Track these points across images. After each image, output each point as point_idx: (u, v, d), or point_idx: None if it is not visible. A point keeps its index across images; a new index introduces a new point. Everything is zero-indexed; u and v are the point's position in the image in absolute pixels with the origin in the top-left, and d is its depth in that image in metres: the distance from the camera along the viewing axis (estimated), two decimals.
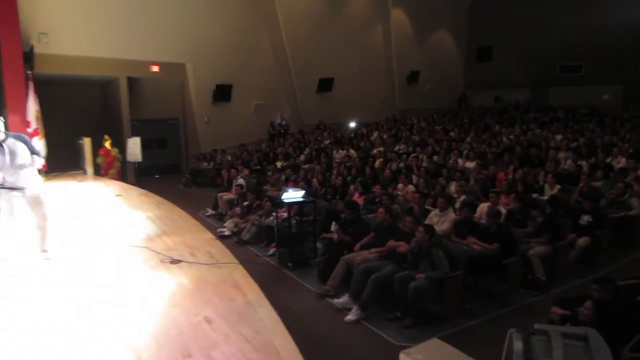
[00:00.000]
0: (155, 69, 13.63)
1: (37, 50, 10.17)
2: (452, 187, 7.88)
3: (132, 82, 13.65)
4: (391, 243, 5.44)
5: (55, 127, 11.16)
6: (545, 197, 7.09)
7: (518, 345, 2.13)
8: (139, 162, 12.13)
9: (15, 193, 4.25)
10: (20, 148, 4.17)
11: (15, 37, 9.13)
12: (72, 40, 11.48)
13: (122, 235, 5.27)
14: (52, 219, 4.62)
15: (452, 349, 1.98)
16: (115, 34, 12.17)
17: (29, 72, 9.45)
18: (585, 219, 6.31)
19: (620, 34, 17.63)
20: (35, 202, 4.39)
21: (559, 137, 12.25)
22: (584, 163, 9.29)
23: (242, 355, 2.73)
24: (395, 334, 4.58)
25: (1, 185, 4.13)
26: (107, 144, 11.41)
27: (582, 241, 6.07)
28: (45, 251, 4.45)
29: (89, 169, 9.84)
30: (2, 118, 4.22)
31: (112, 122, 13.95)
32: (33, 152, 4.30)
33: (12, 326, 3.14)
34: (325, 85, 18.26)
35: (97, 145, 10.69)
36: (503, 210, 6.31)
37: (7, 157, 4.07)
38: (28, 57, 9.57)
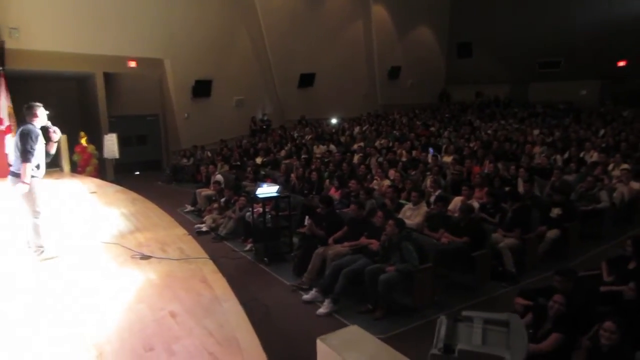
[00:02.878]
0: (133, 64, 13.47)
1: (9, 45, 10.00)
2: (428, 182, 7.96)
3: (109, 77, 13.47)
4: (363, 240, 5.51)
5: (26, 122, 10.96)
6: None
7: (443, 329, 2.20)
8: (118, 159, 12.00)
9: None
10: None
11: None
12: (45, 35, 11.28)
13: (93, 232, 5.24)
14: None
15: (369, 336, 2.03)
16: (90, 28, 11.99)
17: (0, 68, 9.27)
18: (556, 212, 6.45)
19: (598, 29, 17.91)
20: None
21: (536, 132, 12.46)
22: (558, 157, 9.47)
23: (204, 348, 2.76)
24: (367, 326, 4.53)
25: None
26: (83, 141, 11.26)
27: (552, 233, 6.20)
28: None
29: (66, 166, 9.72)
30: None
31: (89, 119, 13.77)
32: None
33: None
34: (306, 80, 18.25)
35: (73, 142, 10.54)
36: (476, 204, 6.42)
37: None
38: None
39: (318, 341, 1.94)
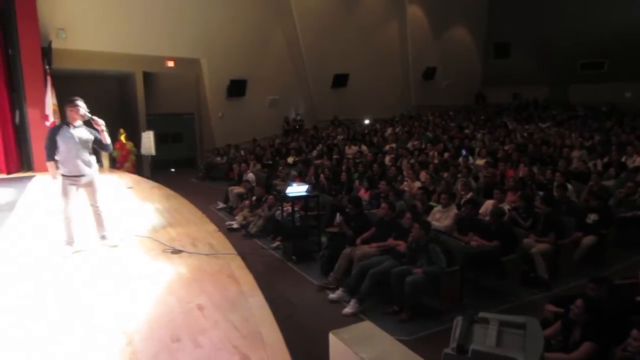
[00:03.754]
0: (171, 64, 13.86)
1: (55, 45, 10.44)
2: (459, 185, 7.84)
3: (148, 77, 13.91)
4: (391, 241, 5.50)
5: None
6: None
7: (457, 331, 2.19)
8: (154, 156, 12.36)
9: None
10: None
11: (34, 32, 9.37)
12: (89, 35, 11.77)
13: (129, 225, 5.43)
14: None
15: (380, 331, 2.03)
16: (131, 29, 12.42)
17: (48, 67, 9.70)
18: (592, 217, 6.24)
19: None
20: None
21: (573, 135, 12.06)
22: (597, 162, 9.15)
23: (228, 340, 2.83)
24: (392, 328, 4.60)
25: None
26: (122, 138, 11.65)
27: (588, 240, 6.01)
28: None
29: (105, 161, 10.10)
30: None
31: (128, 117, 14.25)
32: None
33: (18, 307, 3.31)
34: (340, 81, 18.27)
35: (113, 139, 10.92)
36: (507, 207, 6.29)
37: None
38: (46, 52, 9.82)
39: (330, 334, 1.97)
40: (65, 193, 4.36)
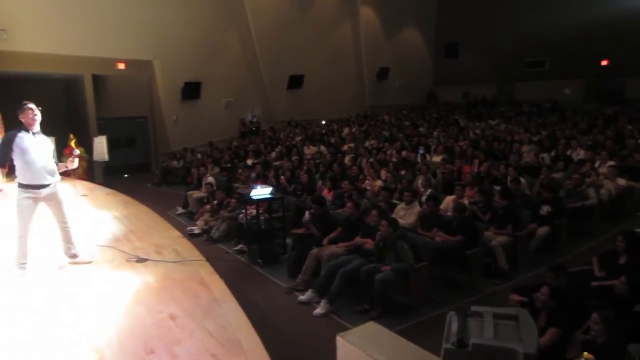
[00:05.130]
0: (121, 66, 13.38)
1: None
2: (419, 182, 8.02)
3: (97, 79, 13.35)
4: (358, 239, 5.54)
5: (17, 126, 10.84)
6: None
7: (454, 326, 2.25)
8: (106, 162, 11.88)
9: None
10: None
11: None
12: (33, 36, 11.14)
13: (87, 235, 5.19)
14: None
15: (386, 331, 2.07)
16: (78, 30, 11.88)
17: None
18: (545, 209, 6.54)
19: (582, 29, 18.22)
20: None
21: (522, 131, 12.63)
22: (545, 156, 9.61)
23: (206, 350, 2.76)
24: None
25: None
26: (72, 143, 11.08)
27: (542, 230, 6.30)
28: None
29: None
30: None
31: (77, 121, 13.62)
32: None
33: None
34: (295, 82, 18.27)
35: (62, 145, 10.42)
36: (467, 202, 6.50)
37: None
38: None
39: (338, 338, 1.96)
40: (21, 207, 3.96)
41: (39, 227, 4.23)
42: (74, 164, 4.39)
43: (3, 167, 4.02)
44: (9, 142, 3.92)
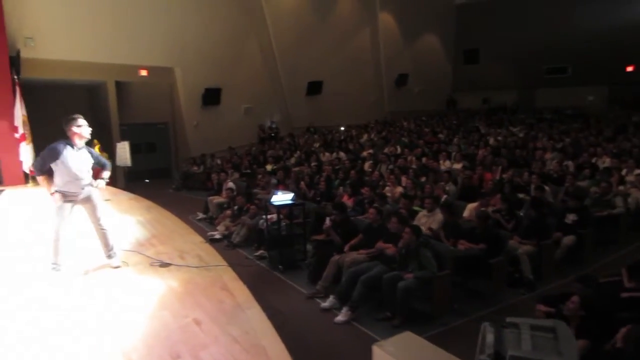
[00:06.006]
0: (144, 73, 13.59)
1: (24, 54, 10.10)
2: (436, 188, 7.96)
3: (120, 86, 13.60)
4: (380, 245, 5.49)
5: (43, 132, 11.07)
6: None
7: (490, 337, 2.19)
8: (128, 167, 12.08)
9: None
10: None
11: (1, 41, 9.06)
12: (59, 44, 11.42)
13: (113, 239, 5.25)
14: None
15: (423, 341, 2.03)
16: (102, 38, 12.13)
17: (16, 77, 9.37)
18: (571, 217, 6.42)
19: (605, 35, 17.93)
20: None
21: (544, 138, 12.43)
22: (569, 163, 9.43)
23: (231, 355, 2.76)
24: (385, 334, 4.57)
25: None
26: (97, 149, 11.32)
27: (568, 240, 6.17)
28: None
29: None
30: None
31: (101, 127, 13.85)
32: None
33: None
34: (314, 88, 18.32)
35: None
36: (490, 210, 6.41)
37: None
38: (14, 62, 9.50)
39: (374, 347, 1.94)
40: (59, 210, 4.07)
41: (69, 233, 4.28)
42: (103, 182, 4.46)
43: (40, 175, 4.06)
44: (54, 156, 3.97)
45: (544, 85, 20.51)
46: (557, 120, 16.76)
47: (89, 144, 4.34)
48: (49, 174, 4.06)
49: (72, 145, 4.05)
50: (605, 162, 9.25)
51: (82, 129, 4.09)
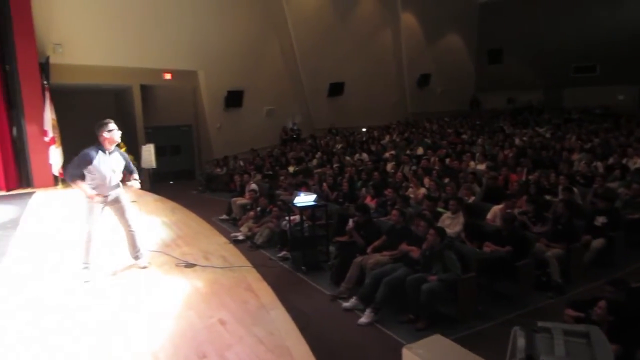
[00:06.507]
0: (168, 76, 13.83)
1: (53, 60, 10.38)
2: (463, 190, 7.86)
3: (145, 89, 13.86)
4: (403, 247, 5.45)
5: (72, 135, 11.38)
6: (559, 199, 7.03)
7: (521, 342, 2.15)
8: (153, 169, 12.29)
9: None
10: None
11: (31, 48, 9.32)
12: (86, 50, 11.71)
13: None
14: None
15: (453, 344, 2.00)
16: (128, 43, 12.40)
17: (45, 82, 9.64)
18: (600, 220, 6.24)
19: (636, 32, 17.41)
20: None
21: (572, 138, 12.14)
22: (599, 164, 9.19)
23: (256, 356, 2.78)
24: (408, 337, 4.55)
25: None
26: (123, 151, 11.58)
27: (597, 243, 6.01)
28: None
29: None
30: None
31: (126, 130, 14.13)
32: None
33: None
34: (336, 89, 18.32)
35: None
36: (516, 212, 6.29)
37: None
38: (44, 68, 9.76)
39: (404, 350, 1.93)
40: (90, 211, 4.16)
41: (99, 234, 4.37)
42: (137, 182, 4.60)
43: (72, 181, 4.12)
44: (86, 162, 4.05)
45: (571, 85, 20.02)
46: (585, 120, 16.34)
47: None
48: (82, 179, 4.12)
49: (103, 150, 4.14)
50: (636, 163, 8.96)
51: (112, 133, 4.18)
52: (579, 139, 11.98)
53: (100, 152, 4.11)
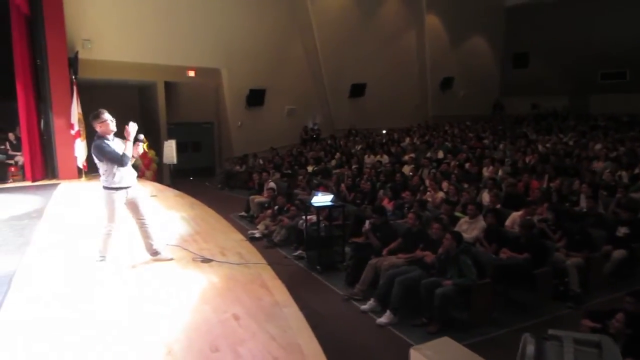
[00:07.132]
0: (192, 73, 14.04)
1: (82, 55, 10.65)
2: (485, 195, 7.76)
3: (168, 86, 14.10)
4: (418, 252, 5.45)
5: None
6: (580, 208, 6.91)
7: (530, 349, 2.13)
8: (174, 164, 12.49)
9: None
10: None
11: (61, 43, 9.60)
12: (114, 46, 12.00)
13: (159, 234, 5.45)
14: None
15: (461, 347, 2.01)
16: (154, 40, 12.65)
17: (74, 77, 9.90)
18: (622, 230, 6.11)
19: None
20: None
21: (598, 146, 11.88)
22: (623, 173, 8.98)
23: (268, 352, 2.82)
24: (420, 340, 4.52)
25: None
26: (145, 146, 11.79)
27: (618, 253, 5.88)
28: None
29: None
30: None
31: (149, 125, 14.42)
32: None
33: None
34: (357, 90, 18.31)
35: None
36: (535, 219, 6.20)
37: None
38: (73, 63, 10.03)
39: (412, 350, 1.95)
40: (112, 206, 4.20)
41: (118, 227, 4.46)
42: (139, 149, 4.49)
43: (128, 161, 4.18)
44: (102, 147, 4.10)
45: (599, 91, 19.59)
46: (612, 128, 15.94)
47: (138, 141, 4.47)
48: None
49: (107, 138, 4.18)
50: None
51: (106, 123, 4.17)
52: (605, 147, 11.71)
53: (104, 140, 4.16)
